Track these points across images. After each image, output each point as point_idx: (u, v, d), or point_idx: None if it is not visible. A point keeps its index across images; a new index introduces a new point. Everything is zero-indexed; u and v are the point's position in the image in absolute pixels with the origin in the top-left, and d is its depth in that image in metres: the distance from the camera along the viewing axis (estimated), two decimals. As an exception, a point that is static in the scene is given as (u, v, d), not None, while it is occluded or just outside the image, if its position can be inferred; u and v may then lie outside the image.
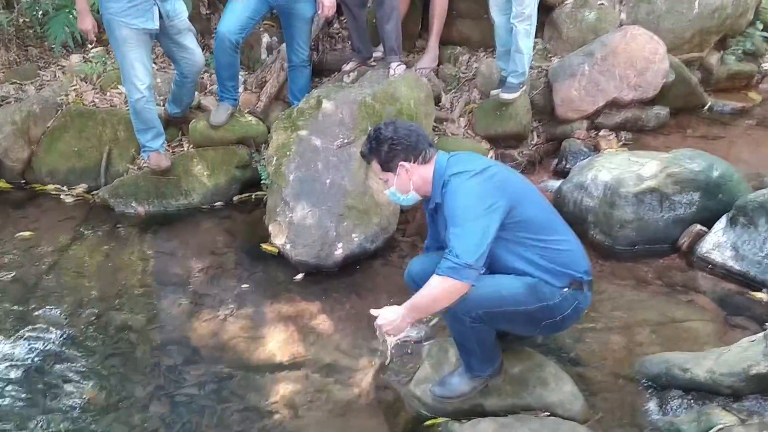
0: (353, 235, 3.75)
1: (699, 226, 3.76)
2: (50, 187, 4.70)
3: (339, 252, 3.69)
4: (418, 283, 2.62)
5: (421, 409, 2.73)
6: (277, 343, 3.24)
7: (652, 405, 2.76)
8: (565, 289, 2.43)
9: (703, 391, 2.69)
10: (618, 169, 3.99)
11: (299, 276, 3.73)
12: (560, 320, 2.49)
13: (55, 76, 5.35)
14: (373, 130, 2.59)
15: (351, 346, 3.21)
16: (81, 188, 4.67)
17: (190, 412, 2.85)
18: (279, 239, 3.78)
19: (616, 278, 3.64)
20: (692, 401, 2.70)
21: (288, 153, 4.03)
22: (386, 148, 2.52)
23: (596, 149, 4.76)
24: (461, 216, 2.32)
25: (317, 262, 3.68)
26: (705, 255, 3.68)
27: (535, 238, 2.42)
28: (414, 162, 2.52)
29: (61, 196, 4.61)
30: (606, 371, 2.95)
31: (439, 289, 2.31)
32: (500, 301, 2.38)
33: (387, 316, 2.45)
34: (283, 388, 2.97)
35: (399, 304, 3.28)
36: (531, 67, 4.88)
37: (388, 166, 2.55)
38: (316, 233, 3.71)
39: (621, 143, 4.85)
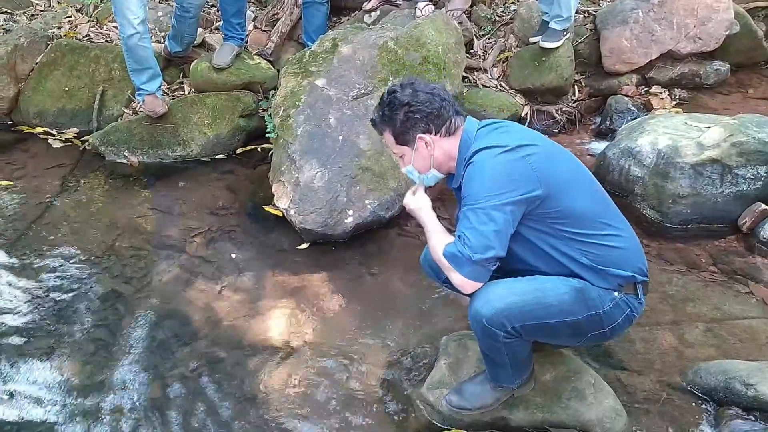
0: (366, 201, 3.33)
1: (763, 206, 3.36)
2: (38, 129, 4.36)
3: (350, 220, 3.29)
4: (436, 270, 2.29)
5: (434, 417, 2.36)
6: (277, 323, 2.91)
7: (706, 425, 2.37)
8: (616, 293, 2.01)
9: (769, 413, 2.31)
10: (674, 135, 3.55)
11: (304, 245, 3.35)
12: (609, 331, 2.07)
13: (50, 5, 4.95)
14: (386, 92, 2.10)
15: (359, 330, 2.87)
16: (71, 132, 4.33)
17: (179, 396, 2.55)
18: (283, 202, 3.37)
19: (664, 261, 3.26)
20: (756, 423, 2.30)
21: (297, 103, 3.58)
22: (402, 116, 2.05)
23: (646, 108, 4.37)
24: (476, 196, 1.88)
25: (324, 231, 3.27)
26: (769, 239, 3.29)
27: (579, 233, 1.96)
28: (436, 134, 2.06)
29: (50, 141, 4.26)
30: (652, 378, 2.57)
31: (441, 262, 1.99)
32: (543, 312, 1.96)
33: (415, 202, 2.17)
34: (281, 375, 2.64)
35: (415, 283, 2.97)
36: (576, 12, 4.41)
37: (403, 139, 2.09)
38: (325, 197, 3.29)
39: (675, 102, 4.39)
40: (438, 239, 2.01)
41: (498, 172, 1.89)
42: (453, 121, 2.06)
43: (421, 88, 2.05)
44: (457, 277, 1.93)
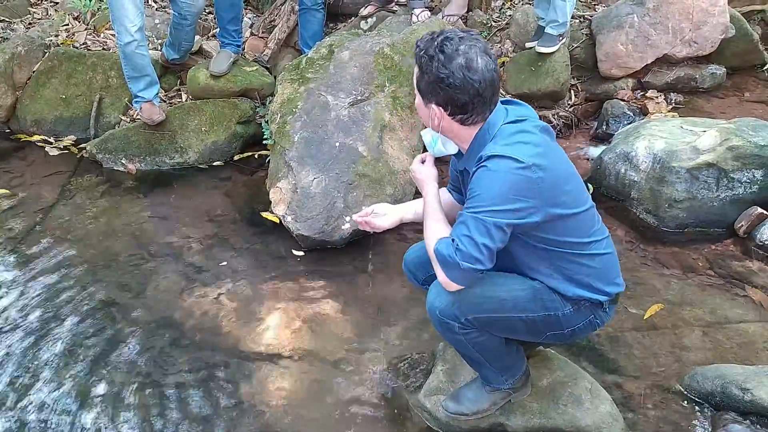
0: (363, 207, 3.30)
1: (760, 209, 3.36)
2: (36, 137, 4.36)
3: (347, 226, 3.29)
4: (415, 274, 2.36)
5: (432, 423, 2.36)
6: (275, 330, 2.90)
7: (703, 430, 2.37)
8: (580, 301, 2.02)
9: (766, 417, 2.30)
10: (669, 139, 3.56)
11: (301, 252, 3.36)
12: (569, 333, 2.07)
13: (47, 13, 4.94)
14: (442, 39, 1.84)
15: (356, 337, 2.86)
16: (69, 140, 4.33)
17: (176, 403, 2.54)
18: (280, 209, 3.37)
19: (661, 266, 3.26)
20: (753, 428, 2.30)
21: (294, 110, 3.59)
22: (430, 77, 1.86)
23: (642, 112, 4.36)
24: (482, 203, 1.82)
25: (322, 237, 3.27)
26: (765, 242, 3.28)
27: (562, 252, 1.95)
28: (449, 115, 1.92)
29: (47, 149, 4.26)
30: (649, 383, 2.57)
31: (430, 254, 1.93)
32: (495, 305, 1.96)
33: (421, 173, 2.11)
34: (278, 381, 2.64)
35: (411, 289, 3.01)
36: (572, 16, 4.39)
37: (421, 92, 1.94)
38: (322, 204, 3.29)
39: (671, 106, 4.38)
40: (434, 228, 1.96)
41: (509, 188, 1.81)
42: (474, 118, 1.91)
43: (468, 66, 1.81)
44: (441, 276, 1.90)
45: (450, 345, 2.19)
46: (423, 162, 2.13)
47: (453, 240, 1.85)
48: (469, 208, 1.84)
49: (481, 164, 1.85)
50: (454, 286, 1.90)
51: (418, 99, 1.98)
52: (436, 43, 1.85)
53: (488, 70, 1.84)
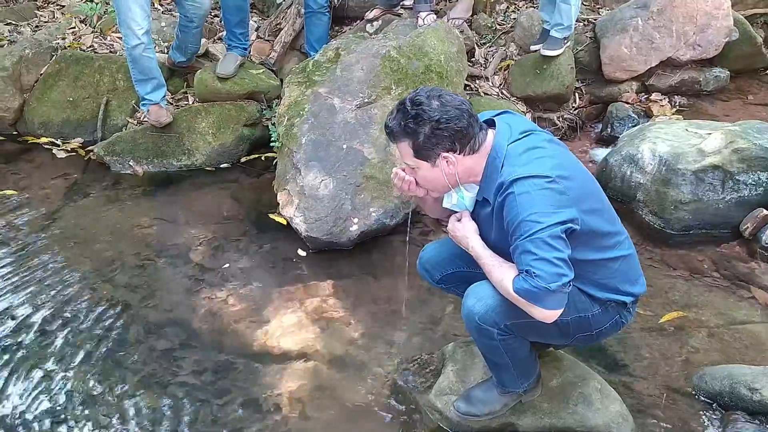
0: (371, 209, 3.35)
1: (765, 211, 3.37)
2: (43, 140, 4.37)
3: (354, 228, 3.31)
4: (431, 273, 2.33)
5: (442, 423, 2.37)
6: (283, 330, 2.91)
7: (712, 430, 2.39)
8: (607, 302, 2.04)
9: (774, 417, 2.32)
10: (675, 141, 3.58)
11: (309, 253, 3.38)
12: (596, 334, 2.10)
13: (54, 16, 4.97)
14: (410, 102, 1.92)
15: (364, 337, 2.87)
16: (76, 142, 4.34)
17: (185, 403, 2.55)
18: (288, 210, 3.39)
19: (667, 267, 3.28)
20: (763, 428, 2.32)
21: (301, 112, 3.61)
22: (428, 131, 1.89)
23: (647, 115, 4.40)
24: (529, 227, 1.79)
25: (330, 238, 3.29)
26: (771, 244, 3.31)
27: (588, 260, 1.95)
28: (460, 153, 1.93)
29: (54, 151, 4.27)
30: (657, 383, 2.59)
31: (514, 299, 1.87)
32: None
33: (461, 230, 2.04)
34: (287, 382, 2.65)
35: (420, 289, 3.01)
36: (577, 20, 4.41)
37: (425, 154, 1.94)
38: (330, 206, 3.31)
39: (675, 109, 4.41)
40: (501, 273, 1.90)
41: (544, 203, 1.81)
42: (478, 138, 1.94)
43: (449, 102, 1.90)
44: (539, 312, 1.82)
45: (483, 351, 2.17)
46: (459, 221, 2.08)
47: (526, 271, 1.80)
48: (520, 236, 1.81)
49: (507, 192, 1.84)
50: (555, 314, 1.84)
51: (423, 166, 1.97)
52: (407, 109, 1.91)
53: (453, 94, 1.96)
